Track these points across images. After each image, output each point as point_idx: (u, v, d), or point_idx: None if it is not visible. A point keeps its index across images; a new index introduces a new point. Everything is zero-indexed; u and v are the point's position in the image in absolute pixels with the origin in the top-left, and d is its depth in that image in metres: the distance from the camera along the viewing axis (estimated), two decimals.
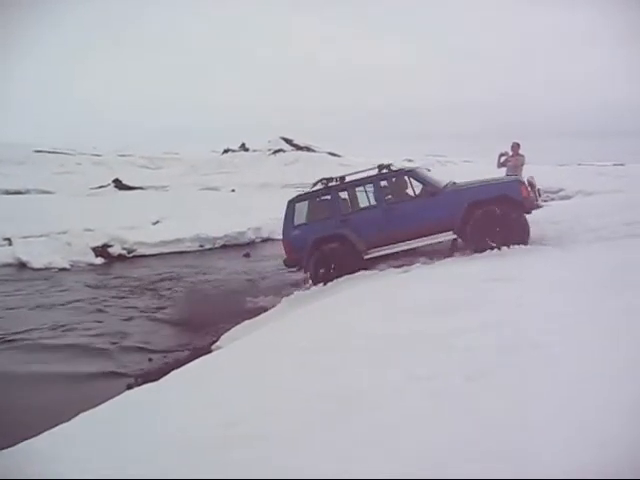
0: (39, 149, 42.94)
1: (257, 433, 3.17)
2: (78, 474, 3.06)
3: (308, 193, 9.77)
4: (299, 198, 9.65)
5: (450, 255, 8.78)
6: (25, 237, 18.73)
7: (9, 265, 17.06)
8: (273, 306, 9.01)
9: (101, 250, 18.54)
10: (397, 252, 9.02)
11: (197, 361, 5.77)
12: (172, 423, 3.66)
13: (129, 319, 10.36)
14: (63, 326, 9.94)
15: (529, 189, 8.55)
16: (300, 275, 10.30)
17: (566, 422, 2.57)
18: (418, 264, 8.48)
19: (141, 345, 8.77)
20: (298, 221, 9.47)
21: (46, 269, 16.48)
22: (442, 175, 10.29)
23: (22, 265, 16.98)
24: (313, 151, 50.29)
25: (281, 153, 48.95)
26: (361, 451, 2.72)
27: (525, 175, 9.94)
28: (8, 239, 18.95)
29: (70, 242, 18.21)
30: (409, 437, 2.77)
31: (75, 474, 3.06)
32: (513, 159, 11.74)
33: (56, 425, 4.08)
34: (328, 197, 9.46)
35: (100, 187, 33.78)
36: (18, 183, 33.08)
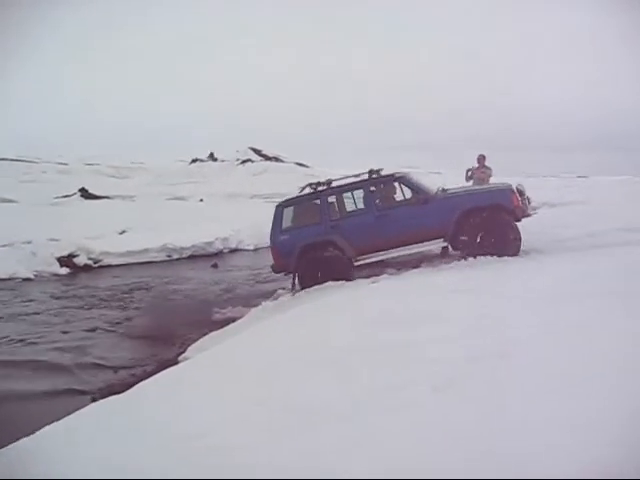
0: (3, 157, 42.28)
1: (225, 444, 3.14)
2: None
3: (297, 197, 9.64)
4: (287, 202, 9.49)
5: (417, 266, 8.85)
6: None
7: None
8: (241, 317, 8.95)
9: (66, 260, 18.21)
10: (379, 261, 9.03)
11: (164, 372, 5.68)
12: (137, 435, 3.60)
13: (93, 330, 10.15)
14: (22, 341, 9.64)
15: (519, 197, 8.65)
16: (270, 286, 10.27)
17: (533, 432, 2.61)
18: (386, 275, 8.52)
19: (106, 358, 8.51)
20: (286, 226, 9.33)
21: (10, 279, 16.10)
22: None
23: None
24: (282, 161, 50.49)
25: (249, 163, 49.05)
26: (327, 462, 2.71)
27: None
28: None
29: (35, 252, 17.81)
30: (376, 448, 2.77)
31: None
32: (478, 171, 11.82)
33: (9, 444, 3.94)
34: (317, 202, 9.34)
35: (66, 196, 33.44)
36: None
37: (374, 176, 9.29)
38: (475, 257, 8.35)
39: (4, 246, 18.45)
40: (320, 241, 9.03)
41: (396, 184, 9.30)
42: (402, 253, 8.95)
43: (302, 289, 8.98)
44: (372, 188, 9.22)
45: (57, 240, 19.02)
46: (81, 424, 4.22)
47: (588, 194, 27.30)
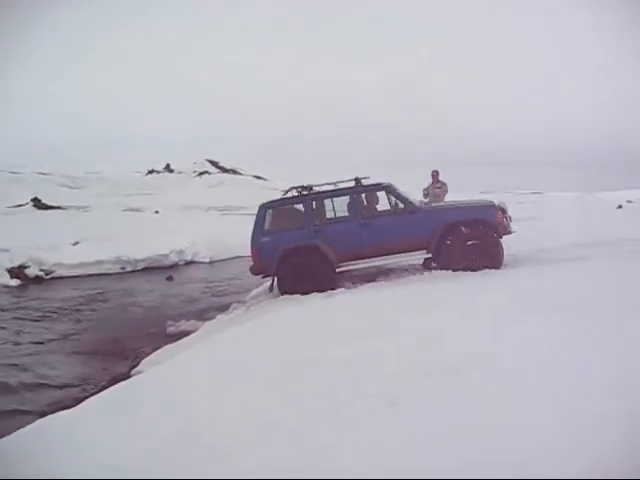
0: None
1: (178, 457, 3.13)
2: None
3: (281, 199, 9.56)
4: (271, 204, 9.35)
5: (373, 280, 8.93)
6: None
7: None
8: (195, 330, 8.89)
9: (17, 271, 17.78)
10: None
11: (115, 387, 5.59)
12: (87, 452, 3.53)
13: (43, 343, 9.93)
14: None
15: (502, 215, 8.82)
16: (225, 299, 10.20)
17: (487, 446, 2.67)
18: (342, 289, 8.55)
19: (54, 374, 8.27)
20: (268, 227, 9.16)
21: None
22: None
23: None
24: (239, 174, 50.37)
25: (206, 175, 48.82)
26: (276, 477, 2.72)
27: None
28: None
29: None
30: (329, 464, 2.78)
31: None
32: (433, 187, 11.92)
33: None
34: (301, 206, 9.28)
35: (18, 206, 32.71)
36: None
37: (362, 184, 9.31)
38: (431, 271, 8.45)
39: None
40: (303, 245, 8.94)
41: (380, 193, 9.31)
42: (384, 262, 9.03)
43: (281, 293, 8.86)
44: (362, 195, 9.28)
45: (7, 251, 18.58)
46: (17, 444, 4.06)
47: (542, 211, 27.86)
